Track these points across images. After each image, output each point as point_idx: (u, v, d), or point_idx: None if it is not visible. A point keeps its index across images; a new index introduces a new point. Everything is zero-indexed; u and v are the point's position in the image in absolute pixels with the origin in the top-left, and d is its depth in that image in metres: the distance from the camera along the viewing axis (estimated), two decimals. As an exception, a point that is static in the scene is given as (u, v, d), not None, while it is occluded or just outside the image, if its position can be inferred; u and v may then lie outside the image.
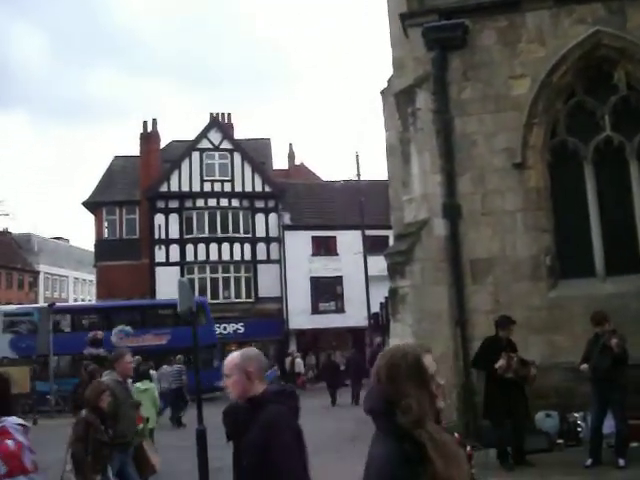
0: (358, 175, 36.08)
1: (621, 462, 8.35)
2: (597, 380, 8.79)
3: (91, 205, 38.97)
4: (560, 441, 10.09)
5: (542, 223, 10.99)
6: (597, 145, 11.19)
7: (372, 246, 32.52)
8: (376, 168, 37.09)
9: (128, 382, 7.53)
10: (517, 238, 10.98)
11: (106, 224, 38.62)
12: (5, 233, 62.86)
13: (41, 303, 56.15)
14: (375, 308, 30.25)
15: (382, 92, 15.27)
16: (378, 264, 29.12)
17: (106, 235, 38.61)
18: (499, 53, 11.44)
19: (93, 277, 46.65)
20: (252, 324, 34.85)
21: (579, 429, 9.97)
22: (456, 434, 4.35)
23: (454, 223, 11.06)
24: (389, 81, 14.28)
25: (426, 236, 10.92)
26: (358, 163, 35.93)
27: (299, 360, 32.60)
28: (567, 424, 10.27)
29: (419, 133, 11.31)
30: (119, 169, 40.95)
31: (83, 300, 70.85)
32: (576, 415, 10.05)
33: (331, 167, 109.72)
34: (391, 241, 22.94)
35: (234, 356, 3.84)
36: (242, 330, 35.10)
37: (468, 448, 4.61)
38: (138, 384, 13.54)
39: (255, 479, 3.51)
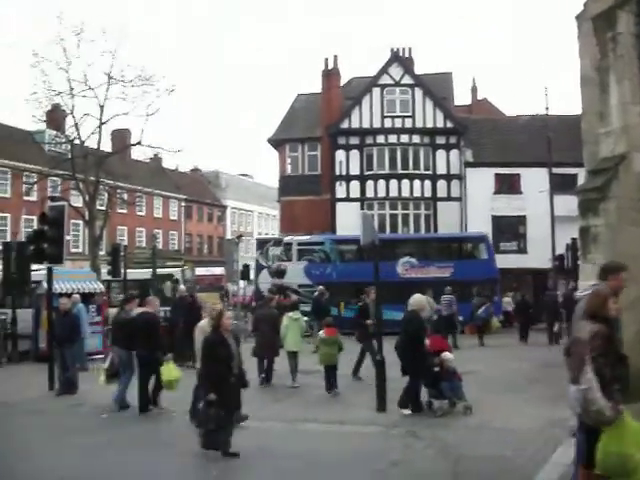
0: (547, 109, 34.21)
1: None
2: None
3: (275, 142, 40.19)
4: None
5: None
6: None
7: (558, 185, 30.98)
8: (564, 103, 35.24)
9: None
10: None
11: (289, 160, 39.65)
12: (196, 170, 66.68)
13: (228, 236, 59.45)
14: (560, 250, 29.00)
15: (577, 17, 14.16)
16: (564, 204, 27.88)
17: (289, 171, 39.69)
18: None
19: (276, 212, 48.43)
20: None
21: None
22: None
23: (658, 160, 10.20)
24: (585, 4, 13.20)
25: (624, 172, 10.16)
26: (546, 96, 33.95)
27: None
28: None
29: (619, 60, 10.43)
30: (302, 107, 41.76)
31: (267, 234, 74.02)
32: None
33: (516, 102, 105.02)
34: (580, 179, 21.72)
35: None
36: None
37: None
38: (290, 313, 14.65)
39: None
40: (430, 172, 37.01)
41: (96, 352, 18.73)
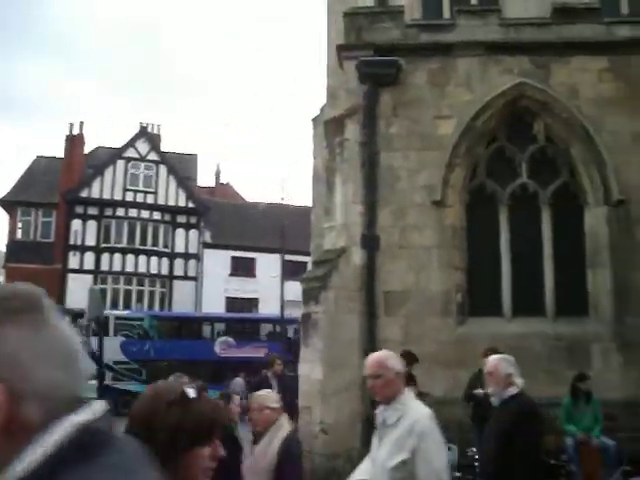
0: (282, 199, 36.37)
1: None
2: (477, 417, 9.06)
3: (7, 204, 37.74)
4: (458, 474, 10.26)
5: (456, 261, 11.31)
6: (513, 190, 11.69)
7: (290, 271, 32.63)
8: (301, 194, 37.56)
9: None
10: (431, 273, 11.25)
11: (20, 225, 37.45)
12: None
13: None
14: (289, 333, 30.38)
15: (313, 119, 15.46)
16: (294, 289, 29.30)
17: (19, 236, 37.40)
18: (428, 93, 11.80)
19: (1, 278, 45.02)
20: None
21: (476, 463, 10.14)
22: None
23: (371, 254, 11.23)
24: (321, 109, 14.47)
25: (343, 264, 11.05)
26: (283, 188, 36.08)
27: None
28: (465, 458, 10.48)
29: (345, 163, 11.49)
30: (40, 170, 39.84)
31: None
32: (474, 450, 10.25)
33: (256, 189, 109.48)
34: (310, 267, 23.11)
35: None
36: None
37: None
38: None
39: None
40: (168, 250, 37.04)
41: None
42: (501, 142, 11.85)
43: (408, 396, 3.81)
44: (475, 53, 11.91)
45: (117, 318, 30.44)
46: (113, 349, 28.63)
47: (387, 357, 3.90)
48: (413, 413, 3.66)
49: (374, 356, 3.90)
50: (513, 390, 4.96)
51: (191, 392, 1.83)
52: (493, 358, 5.24)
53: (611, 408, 10.30)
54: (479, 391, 9.27)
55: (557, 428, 9.96)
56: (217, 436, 1.77)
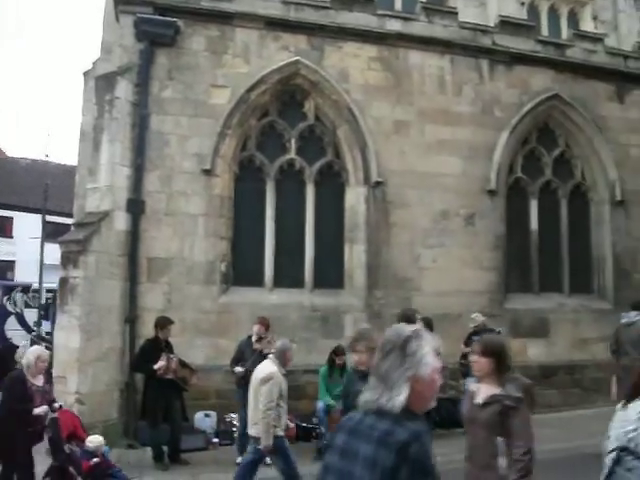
0: (47, 156, 34.22)
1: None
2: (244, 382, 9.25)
3: None
4: (216, 440, 10.44)
5: (222, 230, 11.40)
6: (281, 165, 12.04)
7: (53, 233, 30.88)
8: (68, 152, 35.61)
9: None
10: (196, 242, 11.24)
11: None
12: None
13: None
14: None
15: (85, 74, 14.63)
16: (56, 252, 27.89)
17: None
18: (205, 60, 11.69)
19: None
20: None
21: (234, 429, 10.35)
22: None
23: (136, 219, 10.95)
24: (94, 63, 13.73)
25: (106, 228, 10.64)
26: (49, 144, 34.03)
27: None
28: (224, 424, 10.69)
29: (114, 122, 11.02)
30: None
31: None
32: (232, 415, 10.45)
33: (19, 143, 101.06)
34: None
35: None
36: None
37: None
38: None
39: None
40: None
41: None
42: (273, 117, 12.13)
43: None
44: (255, 26, 12.01)
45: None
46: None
47: None
48: None
49: None
50: None
51: None
52: None
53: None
54: (239, 369, 9.41)
55: (309, 394, 10.54)
56: None
